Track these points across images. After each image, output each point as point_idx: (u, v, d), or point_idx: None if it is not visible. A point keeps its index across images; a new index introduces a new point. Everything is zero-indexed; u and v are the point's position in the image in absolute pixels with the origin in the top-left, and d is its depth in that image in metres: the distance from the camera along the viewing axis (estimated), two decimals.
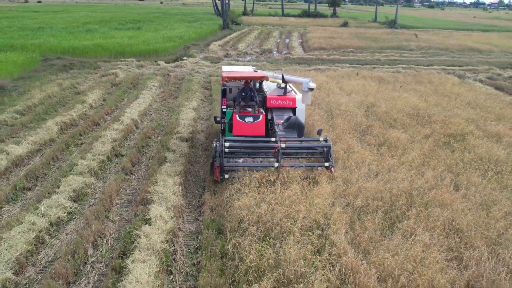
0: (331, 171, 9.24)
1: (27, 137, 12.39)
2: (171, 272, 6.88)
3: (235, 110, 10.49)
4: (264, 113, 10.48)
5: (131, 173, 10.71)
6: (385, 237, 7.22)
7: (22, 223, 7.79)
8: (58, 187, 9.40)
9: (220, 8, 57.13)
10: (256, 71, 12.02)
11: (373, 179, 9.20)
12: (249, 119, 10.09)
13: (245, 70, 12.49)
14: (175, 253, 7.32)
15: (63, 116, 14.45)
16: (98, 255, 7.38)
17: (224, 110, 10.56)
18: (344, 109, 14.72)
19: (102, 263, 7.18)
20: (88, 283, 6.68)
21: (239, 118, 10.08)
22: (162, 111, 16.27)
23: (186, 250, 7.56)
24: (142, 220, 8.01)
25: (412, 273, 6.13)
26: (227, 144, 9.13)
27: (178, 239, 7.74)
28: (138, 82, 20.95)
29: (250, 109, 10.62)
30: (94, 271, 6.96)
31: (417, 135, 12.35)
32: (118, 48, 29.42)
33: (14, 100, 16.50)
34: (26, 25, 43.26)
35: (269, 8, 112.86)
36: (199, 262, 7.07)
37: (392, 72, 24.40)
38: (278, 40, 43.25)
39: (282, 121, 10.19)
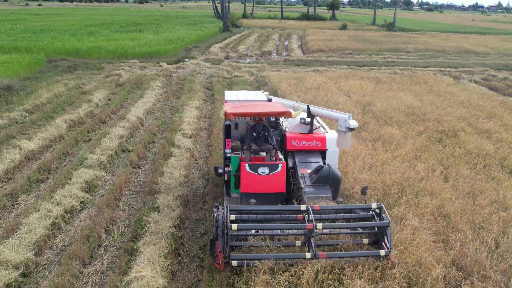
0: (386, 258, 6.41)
1: (37, 133, 12.95)
2: (179, 254, 7.42)
3: (243, 156, 7.80)
4: (283, 160, 7.78)
5: (138, 167, 11.26)
6: None
7: (39, 210, 8.34)
8: (70, 179, 9.94)
9: (220, 11, 57.81)
10: (270, 99, 9.18)
11: (367, 171, 9.75)
12: (263, 170, 7.34)
13: (255, 97, 9.40)
14: (183, 238, 7.87)
15: (70, 114, 15.01)
16: (111, 239, 7.93)
17: (228, 155, 7.98)
18: (341, 108, 15.28)
19: (115, 247, 7.72)
20: (102, 264, 7.22)
21: (250, 168, 7.32)
22: (166, 110, 16.84)
23: (193, 235, 8.10)
24: (151, 208, 8.56)
25: (403, 253, 6.68)
26: (233, 217, 6.32)
27: (185, 225, 8.29)
28: (141, 82, 21.52)
29: (264, 154, 8.00)
30: (107, 254, 7.50)
31: (410, 131, 12.92)
32: (120, 50, 30.05)
33: (22, 99, 17.06)
34: (29, 28, 43.87)
35: (269, 11, 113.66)
36: (205, 245, 7.62)
37: (389, 73, 25.00)
38: (278, 43, 43.89)
39: (309, 171, 7.64)
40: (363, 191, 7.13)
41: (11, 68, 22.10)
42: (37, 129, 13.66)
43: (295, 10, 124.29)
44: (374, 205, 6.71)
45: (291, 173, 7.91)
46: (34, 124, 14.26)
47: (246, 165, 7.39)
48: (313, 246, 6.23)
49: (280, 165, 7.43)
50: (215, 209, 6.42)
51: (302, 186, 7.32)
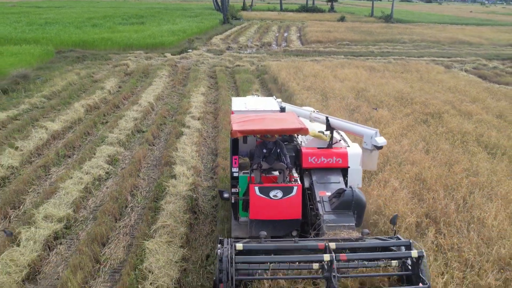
0: None
1: (59, 116, 14.19)
2: (195, 212, 8.72)
3: (253, 176, 6.71)
4: (299, 181, 6.77)
5: (153, 145, 12.54)
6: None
7: (72, 177, 9.63)
8: (94, 154, 11.22)
9: (220, 3, 58.72)
10: (283, 108, 8.19)
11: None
12: (275, 194, 6.34)
13: (266, 106, 8.26)
14: (197, 200, 9.16)
15: (86, 100, 16.25)
16: (135, 201, 9.23)
17: (235, 174, 7.08)
18: (337, 93, 16.54)
19: (139, 207, 9.03)
20: (130, 220, 8.53)
21: (260, 192, 6.34)
22: (174, 96, 18.09)
23: (205, 198, 9.40)
24: (169, 176, 9.84)
25: (384, 207, 7.98)
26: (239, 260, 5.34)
27: (198, 190, 9.58)
28: (148, 72, 22.72)
29: (276, 174, 6.98)
30: (134, 212, 8.81)
31: (399, 113, 14.19)
32: (126, 42, 31.15)
33: (39, 87, 18.27)
34: (33, 21, 44.85)
35: (268, 3, 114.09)
36: (217, 205, 8.92)
37: (384, 63, 26.19)
38: (277, 34, 44.94)
39: (328, 193, 6.66)
40: (393, 221, 6.07)
41: (24, 58, 23.25)
42: (57, 113, 14.89)
43: (294, 2, 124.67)
44: (414, 253, 5.34)
45: (307, 196, 6.88)
46: (54, 108, 15.49)
47: (256, 188, 6.31)
48: None
49: (295, 188, 6.35)
50: (219, 245, 5.44)
51: (321, 212, 6.31)
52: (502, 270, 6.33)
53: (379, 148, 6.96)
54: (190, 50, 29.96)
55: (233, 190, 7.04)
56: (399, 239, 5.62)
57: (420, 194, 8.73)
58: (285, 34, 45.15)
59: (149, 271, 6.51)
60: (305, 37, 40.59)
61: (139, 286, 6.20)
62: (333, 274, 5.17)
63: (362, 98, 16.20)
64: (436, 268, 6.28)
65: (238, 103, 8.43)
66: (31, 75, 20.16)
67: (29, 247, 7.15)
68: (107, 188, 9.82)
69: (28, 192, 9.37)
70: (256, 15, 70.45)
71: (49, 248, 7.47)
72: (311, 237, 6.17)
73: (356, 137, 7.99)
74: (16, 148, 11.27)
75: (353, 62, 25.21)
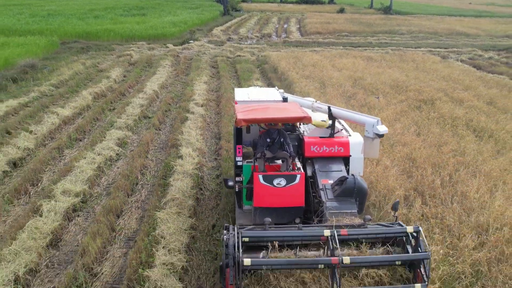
0: None
1: (68, 103, 14.84)
2: (201, 188, 9.41)
3: (256, 164, 6.94)
4: (302, 170, 6.94)
5: (159, 130, 13.21)
6: None
7: (85, 158, 10.31)
8: (105, 137, 11.89)
9: None
10: (286, 98, 8.41)
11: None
12: (279, 182, 6.51)
13: (269, 96, 8.54)
14: (203, 178, 9.85)
15: (93, 88, 16.88)
16: (145, 179, 9.92)
17: (239, 163, 7.41)
18: (334, 82, 17.18)
19: (149, 184, 9.72)
20: (141, 195, 9.23)
21: (264, 180, 6.52)
22: (177, 85, 18.72)
23: (210, 177, 10.09)
24: (176, 157, 10.52)
25: (376, 182, 8.66)
26: (247, 261, 5.27)
27: (204, 169, 10.27)
28: (151, 62, 23.31)
29: (279, 163, 7.17)
30: (144, 189, 9.50)
31: (393, 100, 14.84)
32: (128, 33, 31.71)
33: (46, 76, 18.91)
34: (36, 12, 45.28)
35: None
36: (221, 182, 9.61)
37: (381, 53, 26.77)
38: (277, 26, 45.41)
39: (330, 181, 6.81)
40: (394, 207, 6.12)
41: (30, 49, 23.82)
42: (66, 100, 15.53)
43: None
44: (410, 229, 5.58)
45: (310, 184, 7.04)
46: (62, 96, 16.12)
47: (260, 176, 6.48)
48: (337, 280, 5.22)
49: (298, 176, 6.53)
50: (225, 231, 5.56)
51: (324, 200, 6.47)
52: (479, 236, 7.04)
53: (380, 136, 7.14)
54: (191, 41, 30.52)
55: (237, 178, 7.32)
56: (401, 225, 5.75)
57: (410, 172, 9.40)
58: (285, 26, 45.61)
59: (161, 237, 7.21)
60: (304, 29, 41.08)
61: (153, 249, 6.90)
62: (336, 247, 5.30)
63: (358, 86, 16.84)
64: None
65: (241, 94, 8.59)
66: (38, 65, 20.75)
67: (51, 217, 7.84)
68: (118, 168, 10.50)
69: (45, 171, 10.06)
70: (256, 6, 70.74)
71: (68, 220, 8.17)
72: (314, 224, 6.28)
73: (357, 126, 8.32)
74: (31, 132, 11.94)
75: (351, 52, 25.81)
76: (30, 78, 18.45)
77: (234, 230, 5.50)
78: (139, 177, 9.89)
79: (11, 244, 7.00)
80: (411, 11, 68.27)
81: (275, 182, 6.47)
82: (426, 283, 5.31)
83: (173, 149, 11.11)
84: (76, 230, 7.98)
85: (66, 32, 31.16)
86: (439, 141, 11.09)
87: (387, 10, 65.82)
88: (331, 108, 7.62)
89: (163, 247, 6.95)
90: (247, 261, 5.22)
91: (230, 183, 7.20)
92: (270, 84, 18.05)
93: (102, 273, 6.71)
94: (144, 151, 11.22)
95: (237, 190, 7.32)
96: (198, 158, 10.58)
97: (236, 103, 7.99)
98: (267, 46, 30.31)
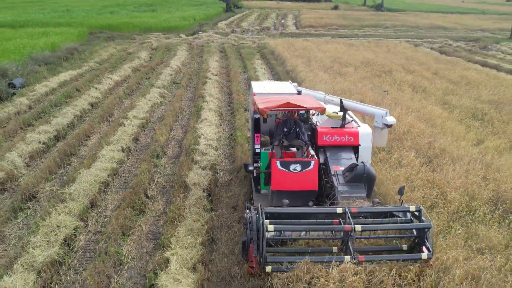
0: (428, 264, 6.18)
1: (114, 73, 19.60)
2: (221, 118, 14.16)
3: (274, 151, 7.60)
4: (315, 157, 7.58)
5: (187, 89, 17.98)
6: None
7: (141, 101, 15.05)
8: (149, 92, 16.63)
9: None
10: (300, 91, 8.94)
11: (329, 85, 16.43)
12: (295, 167, 7.15)
13: (284, 89, 9.09)
14: (222, 114, 14.59)
15: (130, 63, 21.65)
16: (184, 113, 14.67)
17: (257, 150, 8.02)
18: (318, 59, 21.94)
19: (187, 114, 14.45)
20: (183, 120, 13.97)
21: (281, 165, 7.15)
22: (194, 63, 23.50)
23: (226, 114, 14.83)
24: (202, 101, 15.27)
25: None
26: (271, 227, 6.05)
27: (222, 110, 15.02)
28: (170, 47, 28.06)
29: (294, 150, 7.90)
30: (184, 118, 14.24)
31: (360, 70, 19.60)
32: (145, 25, 36.47)
33: (88, 57, 23.65)
34: (56, 8, 50.07)
35: None
36: (236, 121, 14.36)
37: (362, 41, 31.53)
38: (275, 21, 50.17)
39: (341, 168, 7.46)
40: (400, 191, 6.68)
41: (67, 37, 28.58)
42: (110, 72, 20.28)
43: None
44: (412, 208, 6.32)
45: (322, 170, 7.60)
46: (107, 70, 20.86)
47: (278, 162, 7.11)
48: (351, 249, 6.00)
49: (312, 162, 7.16)
50: (247, 211, 6.20)
51: (336, 184, 7.11)
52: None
53: (389, 126, 7.73)
54: (200, 32, 35.28)
55: (255, 164, 7.91)
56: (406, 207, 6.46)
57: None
58: (282, 21, 50.36)
59: (201, 135, 11.98)
60: (299, 23, 45.84)
61: (198, 139, 11.65)
62: (350, 238, 6.06)
63: (336, 62, 21.64)
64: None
65: (258, 87, 9.14)
66: (78, 49, 25.51)
67: (130, 127, 12.59)
68: (163, 108, 15.27)
69: (114, 109, 14.81)
70: (256, 4, 75.45)
71: (142, 128, 12.97)
72: (327, 206, 7.00)
73: (364, 117, 9.98)
74: (96, 88, 16.71)
75: (336, 40, 30.63)
76: (77, 58, 23.20)
77: (255, 210, 6.17)
78: (179, 112, 14.66)
79: (109, 143, 11.74)
80: (402, 8, 72.74)
81: (291, 167, 7.12)
82: (431, 253, 6.07)
83: (200, 98, 15.87)
84: (146, 133, 12.78)
85: (91, 25, 35.87)
86: (389, 95, 15.84)
87: (379, 7, 70.42)
88: (342, 100, 8.15)
89: (204, 138, 11.75)
90: (270, 227, 5.97)
91: (250, 168, 7.89)
92: (268, 63, 22.83)
93: (167, 153, 11.49)
94: (179, 100, 15.98)
95: (255, 175, 8.05)
96: (218, 101, 15.36)
97: (254, 95, 8.46)
98: (266, 36, 35.06)
